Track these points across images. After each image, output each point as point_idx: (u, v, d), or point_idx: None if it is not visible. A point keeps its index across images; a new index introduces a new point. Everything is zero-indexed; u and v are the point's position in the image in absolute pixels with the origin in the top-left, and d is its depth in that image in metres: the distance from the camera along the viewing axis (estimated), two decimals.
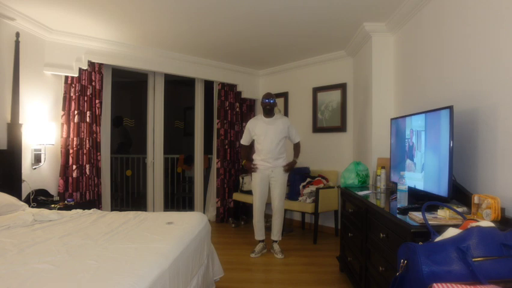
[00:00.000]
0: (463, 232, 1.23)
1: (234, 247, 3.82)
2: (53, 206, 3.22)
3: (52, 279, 1.30)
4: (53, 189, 3.67)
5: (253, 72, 5.35)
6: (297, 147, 3.69)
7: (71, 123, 3.72)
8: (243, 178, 4.87)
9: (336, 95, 4.47)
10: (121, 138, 6.25)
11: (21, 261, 1.48)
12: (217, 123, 5.01)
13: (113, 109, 4.43)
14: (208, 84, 5.14)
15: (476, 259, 1.13)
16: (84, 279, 1.29)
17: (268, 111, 3.53)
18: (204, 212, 5.10)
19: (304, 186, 4.22)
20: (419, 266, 1.15)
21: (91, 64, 3.88)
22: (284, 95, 5.12)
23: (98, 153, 3.97)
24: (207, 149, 5.35)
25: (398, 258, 1.30)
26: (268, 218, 3.83)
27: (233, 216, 4.97)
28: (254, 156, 3.61)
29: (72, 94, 3.74)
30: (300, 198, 4.17)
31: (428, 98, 2.62)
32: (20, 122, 3.13)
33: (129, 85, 6.58)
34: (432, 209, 1.73)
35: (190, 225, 2.25)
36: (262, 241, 3.61)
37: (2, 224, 2.15)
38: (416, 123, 2.30)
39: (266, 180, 3.55)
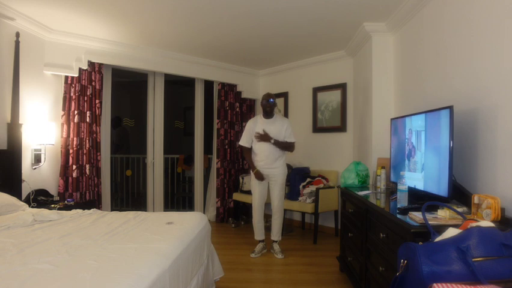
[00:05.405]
0: (463, 232, 1.23)
1: (234, 247, 3.82)
2: (53, 206, 3.22)
3: (52, 279, 1.30)
4: (53, 189, 3.66)
5: (253, 72, 5.35)
6: (288, 142, 3.51)
7: (71, 123, 3.72)
8: (243, 178, 4.87)
9: (336, 95, 4.47)
10: (117, 139, 6.24)
11: (21, 261, 1.48)
12: (217, 123, 5.01)
13: (113, 109, 4.43)
14: (208, 84, 5.14)
15: (476, 259, 1.13)
16: (84, 279, 1.29)
17: (268, 112, 3.51)
18: (204, 212, 5.10)
19: (304, 186, 4.22)
20: (419, 266, 1.15)
21: (91, 64, 3.88)
22: (284, 95, 5.12)
23: (98, 153, 3.96)
24: (207, 149, 5.35)
25: (398, 258, 1.30)
26: (268, 218, 3.83)
27: (233, 216, 4.96)
28: (252, 157, 3.58)
29: (72, 94, 3.74)
30: (300, 198, 4.17)
31: (428, 98, 2.62)
32: (20, 122, 3.13)
33: (129, 85, 6.58)
34: (432, 209, 1.73)
35: (190, 225, 2.25)
36: (262, 241, 3.61)
37: (2, 224, 2.16)
38: (416, 123, 2.30)
39: (265, 181, 3.54)
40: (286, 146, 3.52)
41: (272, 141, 3.41)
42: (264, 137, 3.42)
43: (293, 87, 5.03)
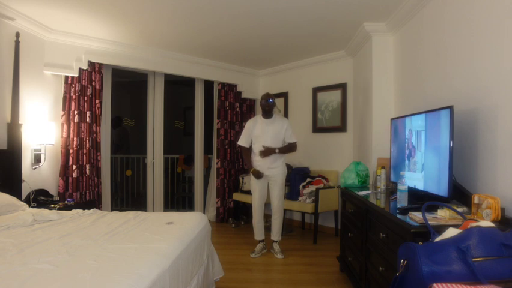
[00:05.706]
0: (463, 232, 1.23)
1: (234, 247, 3.82)
2: (53, 206, 3.22)
3: (52, 279, 1.30)
4: (53, 189, 3.66)
5: (253, 72, 5.35)
6: (289, 144, 3.54)
7: (71, 123, 3.72)
8: (243, 178, 4.87)
9: (336, 95, 4.47)
10: (117, 139, 6.24)
11: (21, 261, 1.48)
12: (217, 123, 5.01)
13: (113, 109, 4.43)
14: (208, 84, 5.14)
15: (476, 259, 1.13)
16: (84, 279, 1.29)
17: (268, 112, 3.50)
18: (204, 212, 5.10)
19: (304, 186, 4.22)
20: (419, 266, 1.15)
21: (91, 64, 3.87)
22: (284, 95, 5.12)
23: (98, 153, 3.96)
24: (207, 149, 5.35)
25: (398, 258, 1.30)
26: (268, 218, 3.83)
27: (233, 216, 4.96)
28: (252, 157, 3.58)
29: (72, 94, 3.74)
30: (300, 198, 4.17)
31: (428, 98, 2.62)
32: (20, 122, 3.13)
33: (129, 85, 6.58)
34: (432, 209, 1.73)
35: (190, 225, 2.25)
36: (262, 241, 3.61)
37: (2, 224, 2.16)
38: (416, 123, 2.30)
39: (264, 181, 3.53)
40: (290, 149, 3.55)
41: (277, 150, 3.44)
42: (267, 152, 3.43)
43: (293, 87, 5.03)
